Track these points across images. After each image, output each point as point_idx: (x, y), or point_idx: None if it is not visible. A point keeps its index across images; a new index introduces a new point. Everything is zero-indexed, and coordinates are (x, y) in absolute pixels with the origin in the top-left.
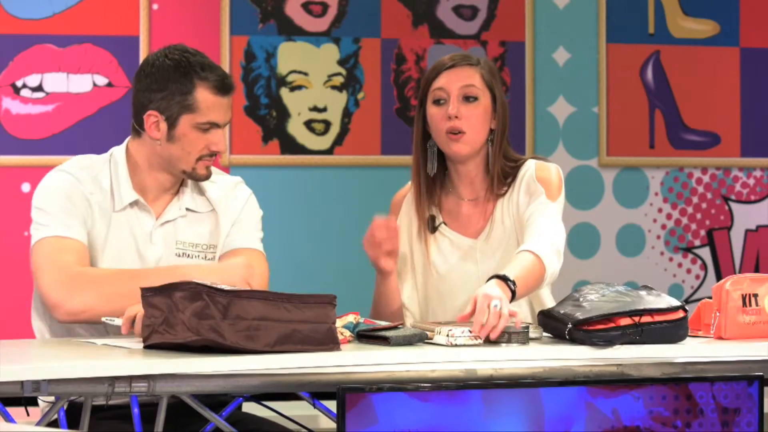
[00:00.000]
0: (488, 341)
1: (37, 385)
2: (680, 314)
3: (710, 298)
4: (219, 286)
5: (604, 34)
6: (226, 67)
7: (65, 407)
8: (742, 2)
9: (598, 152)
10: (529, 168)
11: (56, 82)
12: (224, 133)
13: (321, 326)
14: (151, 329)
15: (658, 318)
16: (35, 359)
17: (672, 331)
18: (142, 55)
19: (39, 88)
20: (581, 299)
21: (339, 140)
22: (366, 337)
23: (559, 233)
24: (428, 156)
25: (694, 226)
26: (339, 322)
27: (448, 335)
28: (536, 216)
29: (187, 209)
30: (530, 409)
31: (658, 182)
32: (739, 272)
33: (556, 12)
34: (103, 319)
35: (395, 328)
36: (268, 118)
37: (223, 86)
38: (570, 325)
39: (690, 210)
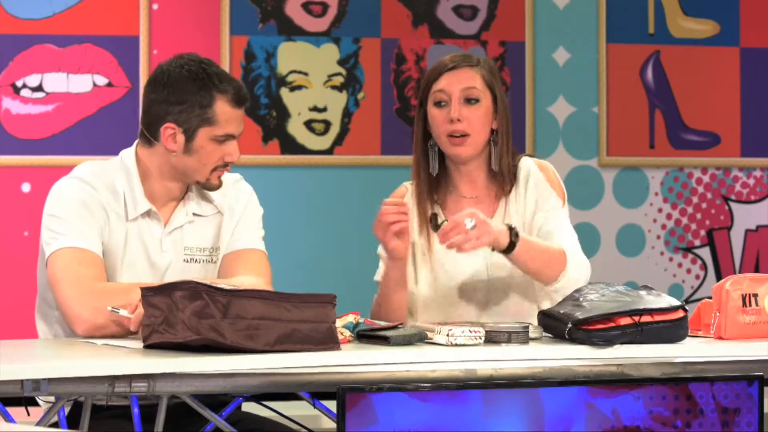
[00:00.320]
0: (488, 341)
1: (37, 384)
2: (680, 314)
3: (710, 298)
4: (219, 286)
5: (604, 34)
6: (226, 67)
7: (67, 408)
8: (742, 2)
9: (598, 152)
10: (531, 167)
11: (56, 82)
12: (238, 143)
13: (321, 326)
14: (151, 329)
15: (658, 318)
16: (35, 358)
17: (672, 330)
18: (142, 55)
19: (39, 88)
20: (581, 299)
21: (339, 140)
22: (366, 336)
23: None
24: (430, 156)
25: (694, 226)
26: (339, 322)
27: (448, 335)
28: (557, 231)
29: (194, 214)
30: (530, 409)
31: (658, 182)
32: (739, 272)
33: (556, 12)
34: (109, 308)
35: (395, 328)
36: (268, 118)
37: (239, 98)
38: (570, 325)
39: (690, 210)
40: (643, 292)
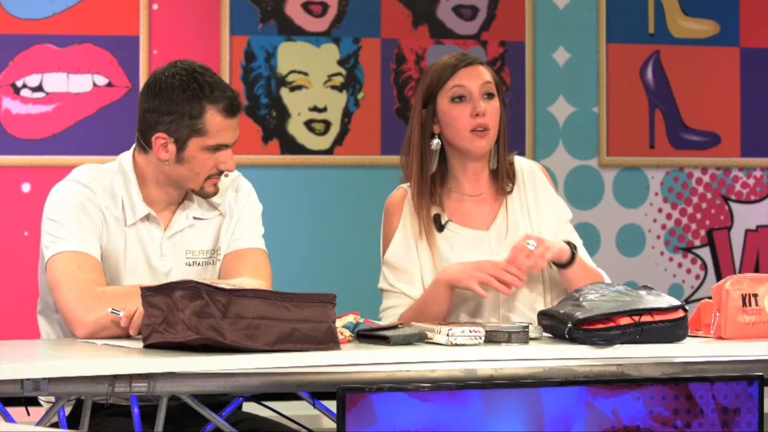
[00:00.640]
0: (488, 341)
1: (37, 384)
2: (680, 314)
3: (710, 298)
4: (219, 285)
5: (604, 34)
6: (226, 67)
7: (68, 408)
8: (742, 2)
9: (598, 152)
10: (531, 167)
11: (56, 82)
12: (232, 152)
13: (321, 325)
14: (151, 329)
15: (658, 317)
16: (35, 358)
17: (672, 330)
18: (142, 55)
19: (39, 88)
20: (581, 299)
21: (339, 140)
22: (366, 336)
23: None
24: (431, 156)
25: (694, 226)
26: (339, 322)
27: (448, 335)
28: (580, 247)
29: (195, 218)
30: (530, 409)
31: (658, 182)
32: (739, 272)
33: (556, 12)
34: (109, 309)
35: (395, 327)
36: (268, 118)
37: (232, 108)
38: (570, 325)
39: (690, 210)
40: (643, 292)
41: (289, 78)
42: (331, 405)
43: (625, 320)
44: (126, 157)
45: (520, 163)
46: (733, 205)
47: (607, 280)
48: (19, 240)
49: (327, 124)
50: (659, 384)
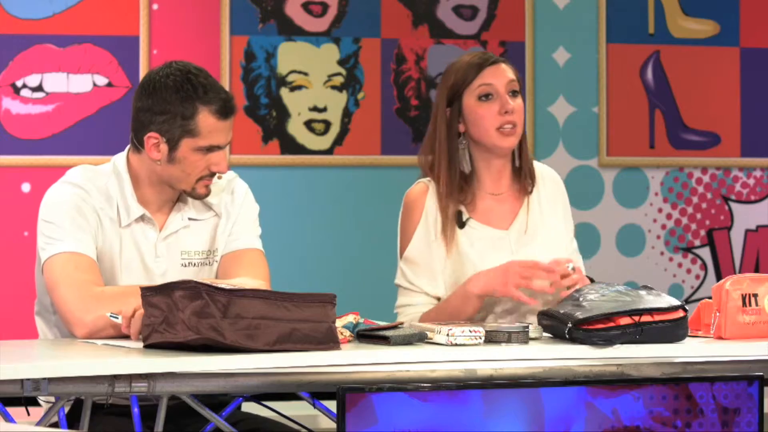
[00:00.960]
0: (488, 341)
1: (36, 384)
2: (680, 314)
3: (710, 298)
4: (219, 285)
5: (604, 34)
6: (226, 67)
7: (68, 407)
8: (742, 2)
9: (598, 152)
10: (553, 175)
11: (56, 82)
12: (225, 153)
13: (321, 325)
14: (151, 329)
15: (658, 317)
16: (35, 358)
17: (672, 330)
18: (142, 55)
19: (39, 88)
20: (581, 299)
21: (339, 140)
22: (366, 336)
23: None
24: (460, 153)
25: (694, 226)
26: (339, 322)
27: (448, 335)
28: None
29: (190, 219)
30: (530, 409)
31: (658, 182)
32: (739, 272)
33: (556, 12)
34: (107, 314)
35: (395, 328)
36: (268, 118)
37: (225, 110)
38: (570, 325)
39: (690, 210)
40: (643, 292)
41: (289, 78)
42: (331, 405)
43: (625, 320)
44: (120, 158)
45: (540, 167)
46: (733, 205)
47: None
48: (19, 240)
49: (327, 124)
50: (659, 384)
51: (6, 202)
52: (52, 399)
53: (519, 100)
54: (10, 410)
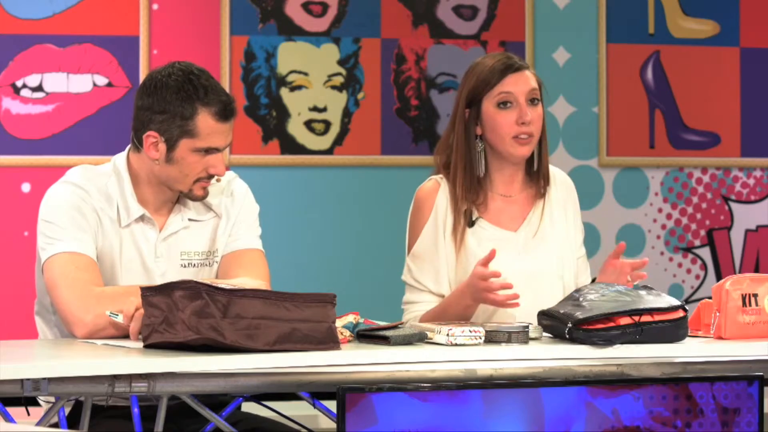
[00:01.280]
0: (488, 341)
1: (37, 384)
2: (680, 314)
3: (710, 298)
4: (219, 285)
5: (604, 34)
6: (226, 67)
7: (68, 408)
8: (742, 2)
9: (598, 152)
10: (567, 181)
11: (56, 82)
12: (224, 156)
13: (321, 325)
14: (151, 328)
15: (658, 317)
16: (35, 358)
17: (672, 330)
18: (142, 55)
19: (39, 88)
20: (581, 299)
21: (339, 140)
22: (366, 336)
23: None
24: (477, 156)
25: (694, 226)
26: (339, 322)
27: (448, 335)
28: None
29: (190, 219)
30: (530, 409)
31: (658, 182)
32: (739, 272)
33: (556, 12)
34: (107, 312)
35: (395, 327)
36: (268, 118)
37: (225, 112)
38: (570, 325)
39: (690, 210)
40: (643, 292)
41: (289, 78)
42: (331, 405)
43: (625, 320)
44: (120, 157)
45: (554, 171)
46: (733, 205)
47: None
48: (19, 240)
49: (327, 124)
50: (659, 384)
51: (6, 202)
52: (52, 399)
53: (538, 109)
54: (10, 410)
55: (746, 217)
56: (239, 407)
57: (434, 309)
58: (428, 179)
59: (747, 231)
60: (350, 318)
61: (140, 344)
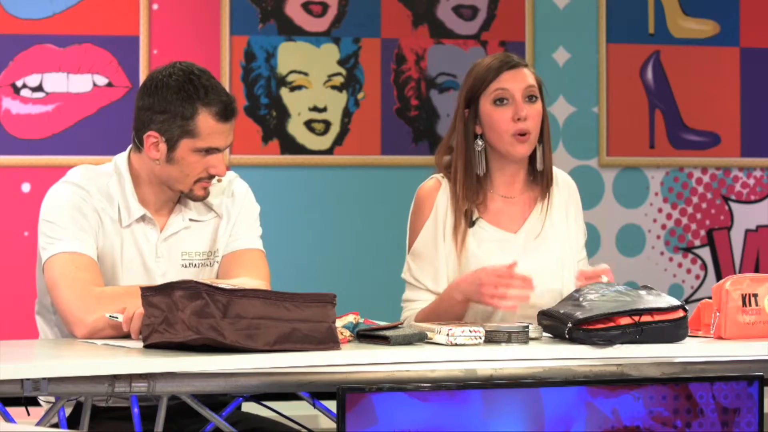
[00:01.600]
0: (488, 341)
1: (37, 384)
2: (680, 314)
3: (710, 298)
4: (219, 285)
5: (604, 34)
6: (226, 67)
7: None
8: (742, 2)
9: (598, 152)
10: (570, 182)
11: (56, 82)
12: (224, 156)
13: (321, 325)
14: (151, 328)
15: (658, 317)
16: (35, 358)
17: (672, 330)
18: (142, 55)
19: (39, 88)
20: (581, 299)
21: (339, 140)
22: (366, 336)
23: None
24: (477, 155)
25: (694, 226)
26: (339, 322)
27: (448, 335)
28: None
29: (191, 220)
30: (530, 409)
31: (658, 182)
32: (739, 272)
33: (556, 12)
34: (107, 315)
35: (395, 327)
36: (268, 118)
37: (225, 113)
38: (570, 325)
39: (690, 210)
40: (643, 292)
41: (289, 78)
42: (331, 405)
43: (625, 320)
44: (121, 157)
45: (556, 172)
46: (733, 205)
47: None
48: (19, 240)
49: (327, 124)
50: (659, 384)
51: (6, 202)
52: (52, 399)
53: (536, 106)
54: (10, 410)
55: (746, 217)
56: (239, 407)
57: (426, 308)
58: (429, 178)
59: (747, 231)
60: (350, 318)
61: (140, 344)
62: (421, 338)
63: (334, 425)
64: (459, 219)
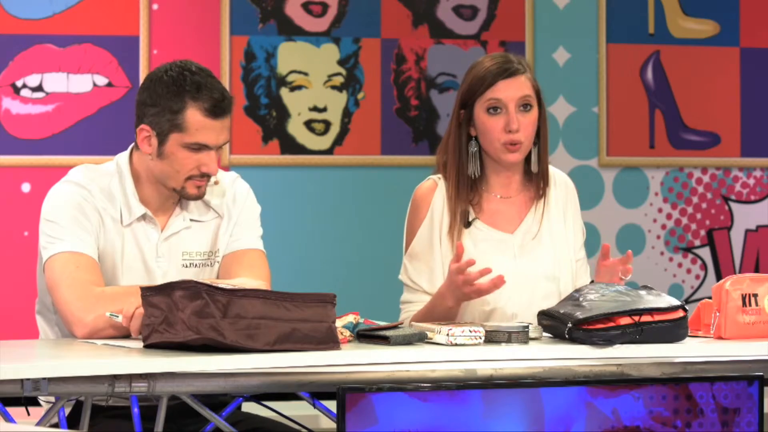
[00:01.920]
0: (488, 341)
1: (37, 384)
2: (680, 314)
3: (710, 298)
4: (219, 285)
5: (604, 34)
6: (226, 67)
7: (68, 409)
8: (742, 2)
9: (598, 152)
10: (568, 182)
11: (56, 82)
12: (216, 155)
13: (321, 325)
14: (151, 328)
15: (658, 317)
16: (35, 358)
17: (672, 330)
18: (142, 55)
19: (39, 88)
20: (581, 299)
21: (339, 140)
22: (366, 336)
23: None
24: (471, 158)
25: (694, 226)
26: (339, 322)
27: (448, 335)
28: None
29: (192, 220)
30: (530, 409)
31: (658, 182)
32: (739, 272)
33: (556, 12)
34: (107, 313)
35: (395, 328)
36: (268, 118)
37: (215, 109)
38: (570, 325)
39: (690, 210)
40: (643, 292)
41: (289, 78)
42: (331, 405)
43: (625, 320)
44: (123, 156)
45: (553, 172)
46: (733, 205)
47: None
48: (19, 240)
49: (327, 124)
50: (659, 384)
51: (6, 202)
52: (52, 399)
53: (530, 115)
54: (10, 410)
55: (746, 217)
56: (239, 407)
57: (420, 310)
58: (427, 179)
59: (747, 231)
60: (350, 318)
61: (140, 344)
62: (421, 338)
63: (334, 425)
64: (455, 220)
